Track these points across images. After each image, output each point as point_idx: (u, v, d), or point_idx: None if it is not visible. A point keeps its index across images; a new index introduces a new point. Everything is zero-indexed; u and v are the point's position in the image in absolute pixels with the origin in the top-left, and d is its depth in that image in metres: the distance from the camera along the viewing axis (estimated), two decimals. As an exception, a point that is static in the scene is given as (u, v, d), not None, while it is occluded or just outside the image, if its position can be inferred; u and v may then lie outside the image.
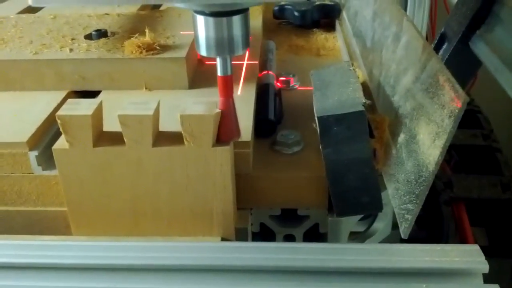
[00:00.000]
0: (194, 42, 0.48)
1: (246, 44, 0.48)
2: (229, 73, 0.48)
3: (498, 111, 1.07)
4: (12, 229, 0.59)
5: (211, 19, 0.45)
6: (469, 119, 0.95)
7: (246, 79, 0.69)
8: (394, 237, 0.64)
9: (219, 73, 0.48)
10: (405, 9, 1.04)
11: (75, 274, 0.49)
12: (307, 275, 0.48)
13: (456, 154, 0.89)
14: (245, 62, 0.73)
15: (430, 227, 0.76)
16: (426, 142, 0.45)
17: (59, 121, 0.50)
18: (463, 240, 0.72)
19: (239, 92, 0.65)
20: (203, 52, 0.47)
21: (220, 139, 0.51)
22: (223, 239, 0.55)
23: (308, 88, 0.71)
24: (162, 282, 0.48)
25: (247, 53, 0.74)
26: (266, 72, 0.74)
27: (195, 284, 0.47)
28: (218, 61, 0.48)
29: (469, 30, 0.65)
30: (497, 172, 0.81)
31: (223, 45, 0.46)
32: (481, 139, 0.89)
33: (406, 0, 1.07)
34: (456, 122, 0.41)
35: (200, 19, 0.45)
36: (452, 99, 0.42)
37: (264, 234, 0.61)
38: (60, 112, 0.50)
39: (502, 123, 1.06)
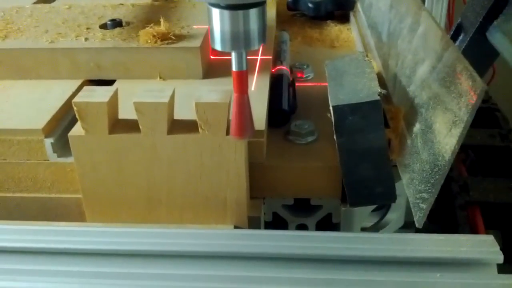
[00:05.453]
0: (209, 33, 0.48)
1: (263, 38, 0.46)
2: (244, 68, 0.46)
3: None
4: (27, 216, 0.59)
5: (226, 12, 0.44)
6: (487, 117, 0.91)
7: (260, 74, 0.68)
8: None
9: (234, 68, 0.46)
10: (423, 1, 1.02)
11: (89, 259, 0.50)
12: (320, 263, 0.48)
13: (472, 154, 0.87)
14: (259, 57, 0.72)
15: (443, 227, 0.75)
16: (442, 131, 0.44)
17: (75, 108, 0.51)
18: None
19: (252, 88, 0.65)
20: (217, 46, 0.45)
21: (233, 136, 0.50)
22: (236, 228, 0.55)
23: (321, 84, 0.71)
24: (176, 268, 0.48)
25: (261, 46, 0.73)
26: (279, 67, 0.73)
27: (208, 271, 0.48)
28: (233, 56, 0.46)
29: (486, 20, 0.64)
30: None
31: (239, 40, 0.44)
32: (499, 139, 0.86)
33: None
34: (474, 111, 0.40)
35: (216, 12, 0.44)
36: (469, 88, 0.41)
37: (276, 224, 0.61)
38: (76, 99, 0.51)
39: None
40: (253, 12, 0.44)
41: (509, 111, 0.96)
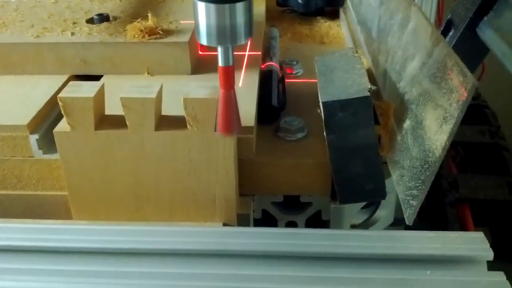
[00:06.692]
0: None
1: (249, 33, 0.45)
2: (230, 63, 0.46)
3: (505, 106, 1.03)
4: (12, 213, 0.58)
5: (212, 6, 0.43)
6: (476, 114, 0.92)
7: (249, 70, 0.68)
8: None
9: (220, 64, 0.46)
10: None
11: (76, 257, 0.49)
12: (310, 261, 0.47)
13: (462, 151, 0.87)
14: (246, 53, 0.71)
15: (433, 225, 0.75)
16: (432, 127, 0.44)
17: (60, 103, 0.50)
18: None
19: (240, 84, 0.64)
20: (203, 41, 0.45)
21: (219, 132, 0.49)
22: (225, 225, 0.55)
23: (311, 80, 0.71)
24: (164, 266, 0.47)
25: (249, 42, 0.72)
26: (269, 63, 0.73)
27: (197, 269, 0.47)
28: (219, 51, 0.45)
29: (476, 16, 0.64)
30: (504, 172, 0.79)
31: (225, 34, 0.44)
32: (488, 136, 0.86)
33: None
34: (465, 107, 0.40)
35: (201, 6, 0.43)
36: (460, 83, 0.41)
37: (266, 221, 0.61)
38: (62, 94, 0.50)
39: (509, 119, 1.01)
40: (239, 6, 0.43)
41: (498, 108, 0.96)
